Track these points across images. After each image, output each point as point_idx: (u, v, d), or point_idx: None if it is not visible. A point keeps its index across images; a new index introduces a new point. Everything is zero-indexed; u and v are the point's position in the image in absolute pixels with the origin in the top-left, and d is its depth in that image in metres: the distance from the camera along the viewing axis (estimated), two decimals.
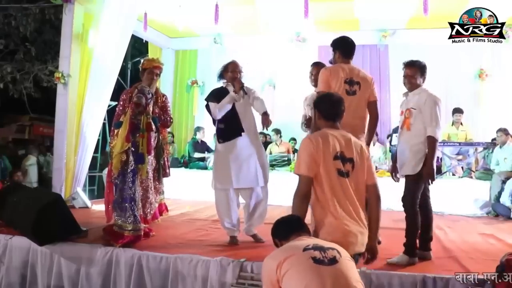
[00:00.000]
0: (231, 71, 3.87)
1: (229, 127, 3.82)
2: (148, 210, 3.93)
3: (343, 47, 3.51)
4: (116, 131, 3.77)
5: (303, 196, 2.46)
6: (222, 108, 3.77)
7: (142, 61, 4.01)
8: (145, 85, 3.80)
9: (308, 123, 3.78)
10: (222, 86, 3.96)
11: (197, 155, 7.56)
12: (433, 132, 3.14)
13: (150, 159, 3.86)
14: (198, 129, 7.81)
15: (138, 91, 3.74)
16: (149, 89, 3.81)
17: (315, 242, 2.08)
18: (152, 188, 3.92)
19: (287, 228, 2.29)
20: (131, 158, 3.68)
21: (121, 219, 3.60)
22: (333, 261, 1.95)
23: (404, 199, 3.28)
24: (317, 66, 4.03)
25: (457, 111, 6.96)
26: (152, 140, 3.86)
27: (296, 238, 2.18)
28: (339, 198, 2.43)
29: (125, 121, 3.71)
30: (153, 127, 3.84)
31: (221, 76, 3.96)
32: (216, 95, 3.86)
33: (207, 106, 3.92)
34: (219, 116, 3.79)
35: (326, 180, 2.44)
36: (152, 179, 3.91)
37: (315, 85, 3.90)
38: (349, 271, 1.96)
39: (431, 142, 3.15)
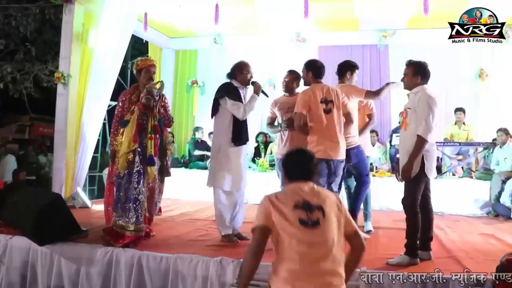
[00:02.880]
0: (246, 73, 3.88)
1: (242, 132, 3.85)
2: (153, 210, 3.95)
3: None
4: (122, 129, 3.76)
5: (298, 117, 3.76)
6: (250, 110, 3.82)
7: (135, 63, 3.93)
8: (144, 84, 3.77)
9: (289, 123, 3.91)
10: (231, 84, 3.89)
11: (197, 152, 7.63)
12: (422, 131, 3.10)
13: (156, 160, 3.85)
14: (196, 129, 7.88)
15: (147, 91, 3.70)
16: (158, 91, 3.79)
17: (305, 198, 2.09)
18: (157, 189, 3.92)
19: (296, 171, 2.22)
20: (137, 158, 3.67)
21: (122, 219, 3.60)
22: (316, 223, 2.03)
23: (404, 201, 3.27)
24: (291, 74, 4.21)
25: (458, 109, 6.95)
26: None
27: (298, 183, 2.17)
28: (322, 125, 3.72)
29: (132, 121, 3.68)
30: (159, 129, 3.83)
31: (233, 75, 3.91)
32: (232, 93, 3.81)
33: (218, 101, 3.82)
34: (245, 116, 3.82)
35: (315, 114, 3.74)
36: (156, 180, 3.90)
37: (285, 91, 4.18)
38: (329, 233, 2.03)
39: (418, 141, 3.12)
